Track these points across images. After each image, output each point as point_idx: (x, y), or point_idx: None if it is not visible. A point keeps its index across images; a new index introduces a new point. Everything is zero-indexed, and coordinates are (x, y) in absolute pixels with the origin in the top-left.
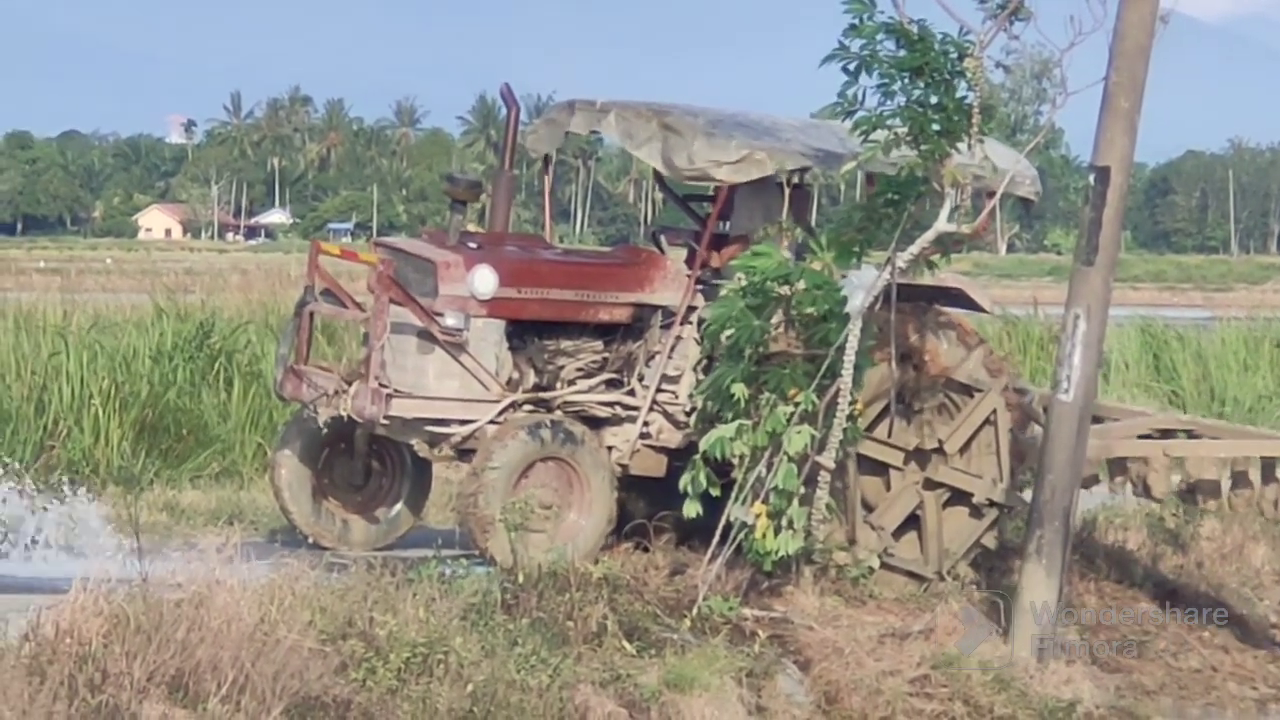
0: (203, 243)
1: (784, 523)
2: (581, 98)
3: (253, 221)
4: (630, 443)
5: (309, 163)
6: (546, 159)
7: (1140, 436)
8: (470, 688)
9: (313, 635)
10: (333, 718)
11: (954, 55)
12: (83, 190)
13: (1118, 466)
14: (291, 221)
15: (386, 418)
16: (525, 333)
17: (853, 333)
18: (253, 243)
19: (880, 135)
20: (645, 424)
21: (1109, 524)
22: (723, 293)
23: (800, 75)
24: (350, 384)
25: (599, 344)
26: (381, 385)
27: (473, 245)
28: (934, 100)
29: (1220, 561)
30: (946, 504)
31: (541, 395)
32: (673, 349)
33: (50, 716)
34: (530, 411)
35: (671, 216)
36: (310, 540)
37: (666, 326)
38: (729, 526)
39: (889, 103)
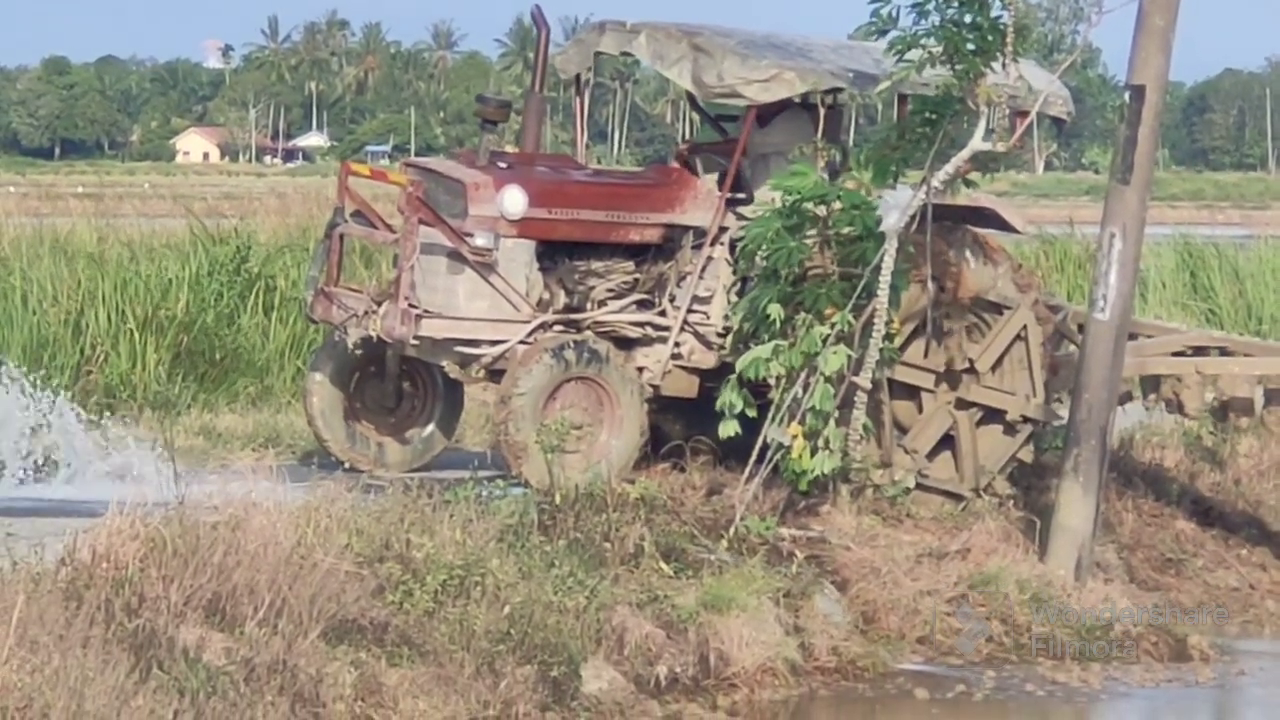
0: (240, 166)
1: (820, 443)
2: (612, 19)
3: (290, 144)
4: (662, 363)
5: (346, 86)
6: (578, 79)
7: (1174, 354)
8: (507, 609)
9: (349, 558)
10: (370, 640)
11: None
12: (120, 115)
13: (1151, 384)
14: (329, 144)
15: (416, 338)
16: (556, 253)
17: (888, 252)
18: (290, 165)
19: (915, 55)
20: (677, 345)
21: (1146, 442)
22: (756, 212)
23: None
24: (380, 305)
25: (630, 265)
26: (411, 306)
27: (503, 165)
28: (968, 19)
29: (1258, 479)
30: (980, 422)
31: (571, 316)
32: (704, 269)
33: (87, 641)
34: (560, 332)
35: (707, 136)
36: (345, 465)
37: (698, 247)
38: (765, 447)
39: (923, 22)
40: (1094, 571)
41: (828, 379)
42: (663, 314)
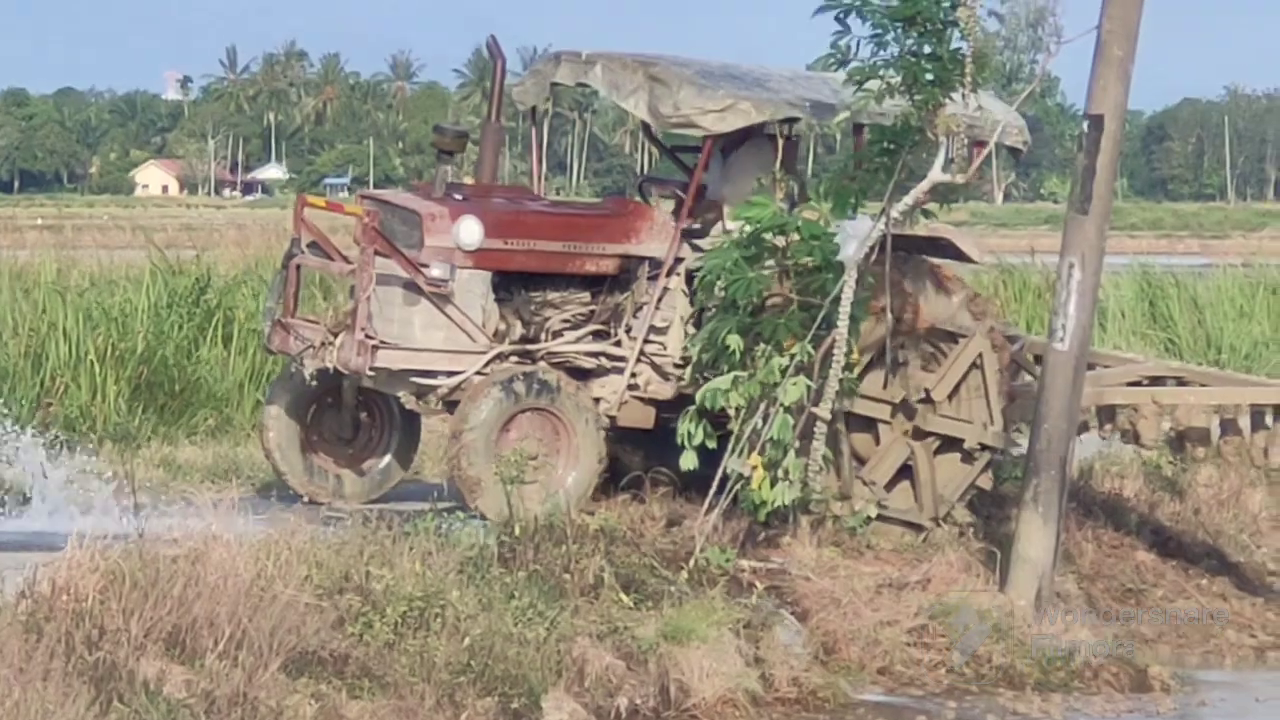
0: (199, 199)
1: (780, 474)
2: (568, 49)
3: (249, 177)
4: (618, 394)
5: (305, 117)
6: (534, 111)
7: (1130, 384)
8: (467, 641)
9: (309, 590)
10: (330, 672)
11: (947, 4)
12: (79, 146)
13: (1107, 414)
14: (288, 176)
15: (372, 369)
16: (512, 284)
17: (848, 283)
18: (249, 198)
19: (873, 85)
20: (633, 375)
21: (1105, 472)
22: (713, 243)
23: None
24: (337, 336)
25: (586, 295)
26: (368, 337)
27: (458, 197)
28: (927, 50)
29: (1218, 508)
30: (938, 451)
31: (527, 347)
32: (660, 300)
33: (47, 673)
34: (516, 363)
35: (666, 169)
36: (304, 497)
37: (654, 278)
38: (725, 478)
39: (882, 53)
40: (1054, 602)
41: (787, 409)
42: (619, 344)
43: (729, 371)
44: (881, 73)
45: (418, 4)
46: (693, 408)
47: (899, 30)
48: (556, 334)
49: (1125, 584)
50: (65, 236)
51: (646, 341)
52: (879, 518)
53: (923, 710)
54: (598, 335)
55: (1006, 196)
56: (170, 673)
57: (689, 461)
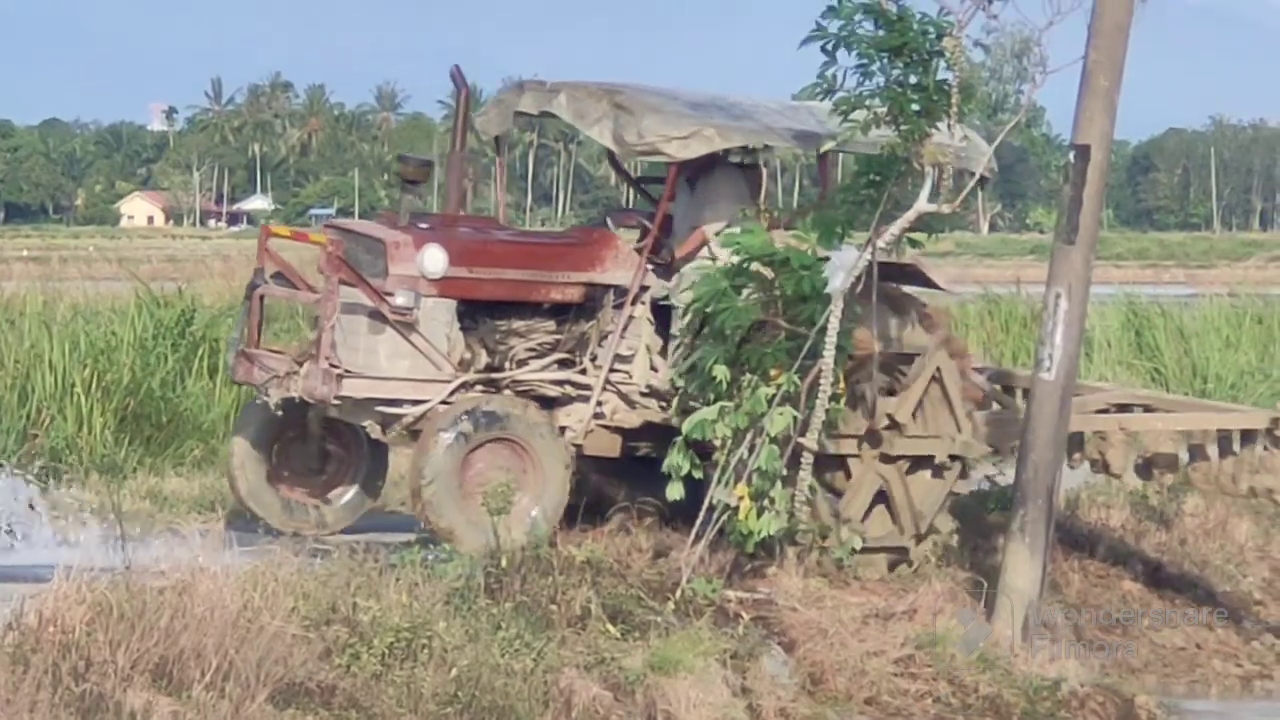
0: (185, 230)
1: (767, 504)
2: (532, 78)
3: (235, 208)
4: (584, 422)
5: (290, 148)
6: (498, 140)
7: (1098, 411)
8: (454, 672)
9: (296, 621)
10: (317, 703)
11: (933, 35)
12: (64, 178)
13: (1075, 442)
14: (273, 208)
15: (338, 398)
16: (477, 313)
17: (834, 313)
18: (235, 229)
19: (859, 115)
20: (599, 403)
21: (1092, 502)
22: (689, 272)
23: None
24: (301, 365)
25: (551, 324)
26: (332, 365)
27: (423, 225)
28: (913, 80)
29: (1204, 538)
30: (909, 471)
31: (492, 375)
32: (625, 328)
33: (34, 705)
34: (482, 391)
35: (640, 202)
36: (276, 529)
37: (619, 306)
38: (712, 508)
39: (868, 83)
40: (1041, 632)
41: (773, 440)
42: (584, 373)
43: (715, 401)
44: (868, 102)
45: (403, 35)
46: (680, 438)
47: (885, 60)
48: (521, 362)
49: (1112, 614)
50: (51, 268)
51: (612, 370)
52: (862, 550)
53: None
54: (563, 364)
55: (992, 227)
56: (157, 704)
57: (675, 492)
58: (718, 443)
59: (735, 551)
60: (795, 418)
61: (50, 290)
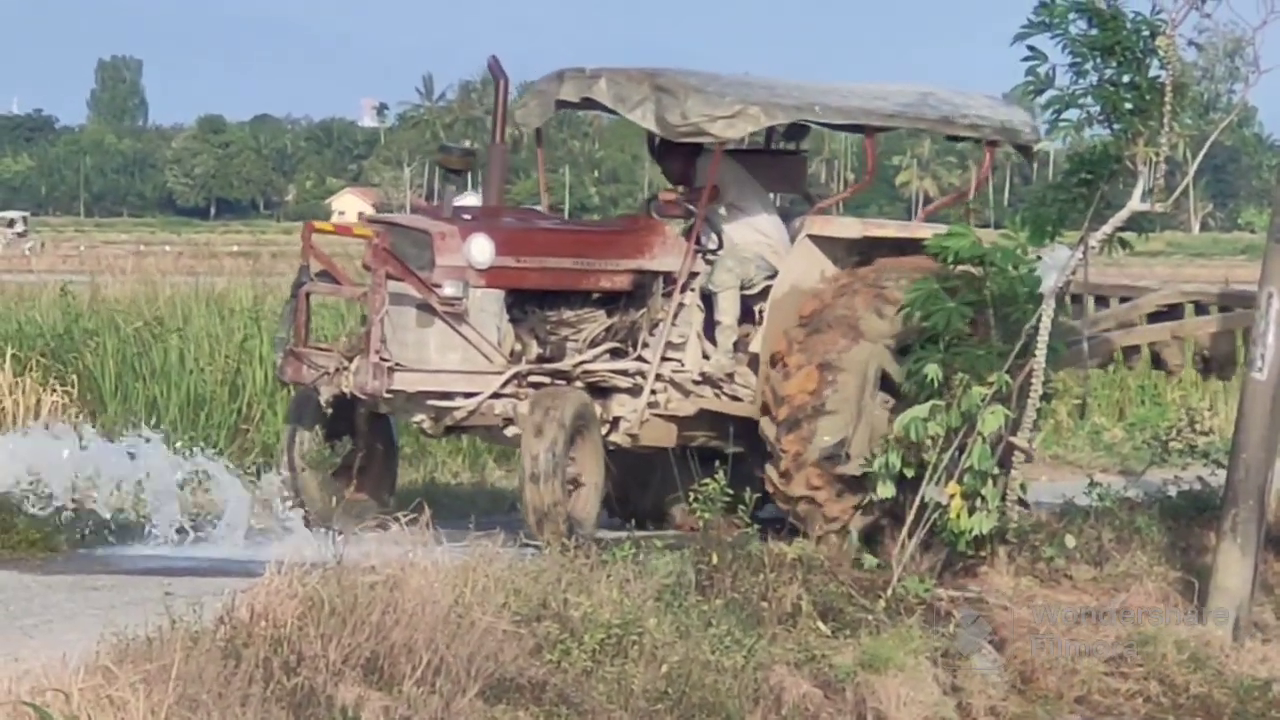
0: None
1: (978, 503)
2: (571, 67)
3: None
4: (639, 412)
5: None
6: (539, 132)
7: (1150, 315)
8: (665, 668)
9: (507, 617)
10: (528, 699)
11: (1146, 34)
12: (275, 174)
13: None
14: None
15: (389, 392)
16: (526, 303)
17: (1046, 313)
18: None
19: (1072, 114)
20: (653, 393)
21: None
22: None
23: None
24: (351, 361)
25: (601, 313)
26: (383, 359)
27: (467, 217)
28: (1126, 79)
29: None
30: None
31: (550, 366)
32: (676, 316)
33: (246, 699)
34: (551, 384)
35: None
36: (335, 528)
37: (668, 294)
38: (924, 506)
39: (1080, 81)
40: (1252, 632)
41: (985, 439)
42: (638, 361)
43: (927, 400)
44: (1081, 101)
45: (613, 32)
46: (891, 436)
47: (1098, 59)
48: (579, 352)
49: None
50: (261, 264)
51: (664, 359)
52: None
53: None
54: (614, 353)
55: (1203, 226)
56: (368, 699)
57: (886, 490)
58: (928, 441)
59: (946, 550)
60: (1007, 417)
61: (260, 286)
